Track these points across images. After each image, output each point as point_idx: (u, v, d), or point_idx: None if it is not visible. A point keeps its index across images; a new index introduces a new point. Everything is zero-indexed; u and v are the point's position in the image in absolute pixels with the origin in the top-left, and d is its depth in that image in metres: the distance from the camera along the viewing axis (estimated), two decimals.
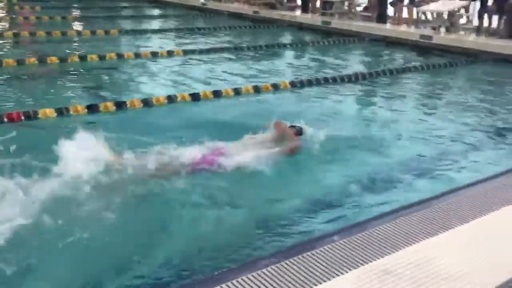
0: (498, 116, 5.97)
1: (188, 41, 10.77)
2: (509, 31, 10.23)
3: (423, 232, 2.58)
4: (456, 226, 2.65)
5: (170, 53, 8.96)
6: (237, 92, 6.44)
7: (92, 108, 5.39)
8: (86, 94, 6.28)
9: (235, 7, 15.97)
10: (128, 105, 5.63)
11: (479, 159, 4.54)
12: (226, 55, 9.30)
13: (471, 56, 9.31)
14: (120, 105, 5.59)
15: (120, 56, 8.45)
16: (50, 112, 5.16)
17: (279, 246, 2.84)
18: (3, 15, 13.98)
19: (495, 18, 11.09)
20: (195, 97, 6.07)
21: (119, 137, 4.51)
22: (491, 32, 10.99)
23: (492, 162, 4.44)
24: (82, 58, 8.09)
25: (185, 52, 9.15)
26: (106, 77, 7.50)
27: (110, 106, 5.52)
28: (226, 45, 10.25)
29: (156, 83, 7.01)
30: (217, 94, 6.26)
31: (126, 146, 3.75)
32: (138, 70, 7.85)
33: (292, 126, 4.43)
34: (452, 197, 3.10)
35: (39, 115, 5.09)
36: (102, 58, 8.21)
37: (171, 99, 5.92)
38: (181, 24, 13.54)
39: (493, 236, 2.59)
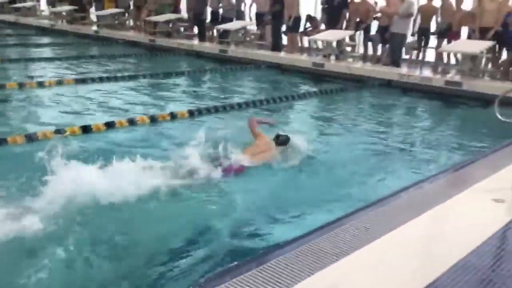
0: (387, 136, 6.33)
1: (80, 70, 10.25)
2: (391, 58, 11.06)
3: (326, 259, 2.55)
4: (353, 252, 2.66)
5: (59, 83, 8.44)
6: (132, 122, 6.18)
7: None
8: None
9: (130, 35, 15.62)
10: (9, 142, 5.13)
11: (371, 179, 4.72)
12: (121, 84, 8.97)
13: (359, 82, 9.88)
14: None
15: (0, 87, 7.77)
16: None
17: None
18: None
19: (379, 47, 11.96)
20: (86, 129, 5.71)
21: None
22: (376, 59, 11.81)
23: (384, 182, 4.64)
24: None
25: (77, 81, 8.69)
26: None
27: None
28: (121, 74, 9.90)
29: (42, 116, 6.50)
30: (110, 125, 5.95)
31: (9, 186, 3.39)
32: (21, 102, 7.22)
33: (277, 136, 4.95)
34: (349, 220, 3.13)
35: None
36: None
37: (59, 132, 5.50)
38: (72, 52, 12.89)
39: (390, 257, 2.64)
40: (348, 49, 11.98)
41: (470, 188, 3.74)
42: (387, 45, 11.42)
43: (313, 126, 6.91)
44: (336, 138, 6.28)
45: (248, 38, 13.34)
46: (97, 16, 17.80)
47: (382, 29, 11.55)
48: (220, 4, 14.50)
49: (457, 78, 9.29)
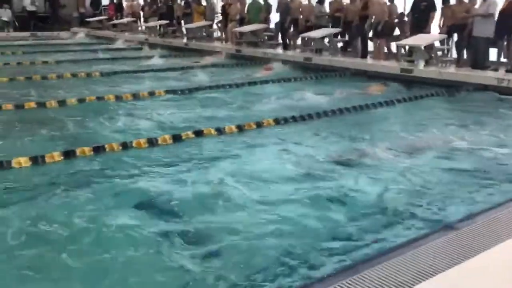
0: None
1: (171, 81, 10.72)
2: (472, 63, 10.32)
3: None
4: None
5: (151, 94, 8.89)
6: (219, 131, 6.33)
7: (68, 155, 5.22)
8: (63, 140, 6.05)
9: (216, 46, 16.14)
10: (107, 149, 5.48)
11: (461, 195, 4.42)
12: (210, 94, 9.21)
13: (449, 87, 9.37)
14: (98, 149, 5.43)
15: (100, 98, 8.33)
16: (24, 161, 4.96)
17: None
18: None
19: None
20: (176, 138, 5.96)
21: (99, 182, 4.43)
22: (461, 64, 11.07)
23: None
24: (61, 102, 7.98)
25: (168, 92, 9.07)
26: (85, 121, 7.24)
27: (88, 151, 5.36)
28: (209, 84, 10.19)
29: (136, 125, 6.85)
30: (199, 134, 6.16)
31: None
32: (118, 112, 7.64)
33: None
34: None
35: (13, 165, 4.90)
36: (81, 101, 8.12)
37: (151, 141, 5.78)
38: (166, 64, 13.51)
39: None
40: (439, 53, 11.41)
41: None
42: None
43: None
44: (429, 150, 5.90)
45: (332, 46, 13.22)
46: (186, 29, 18.59)
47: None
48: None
49: None
